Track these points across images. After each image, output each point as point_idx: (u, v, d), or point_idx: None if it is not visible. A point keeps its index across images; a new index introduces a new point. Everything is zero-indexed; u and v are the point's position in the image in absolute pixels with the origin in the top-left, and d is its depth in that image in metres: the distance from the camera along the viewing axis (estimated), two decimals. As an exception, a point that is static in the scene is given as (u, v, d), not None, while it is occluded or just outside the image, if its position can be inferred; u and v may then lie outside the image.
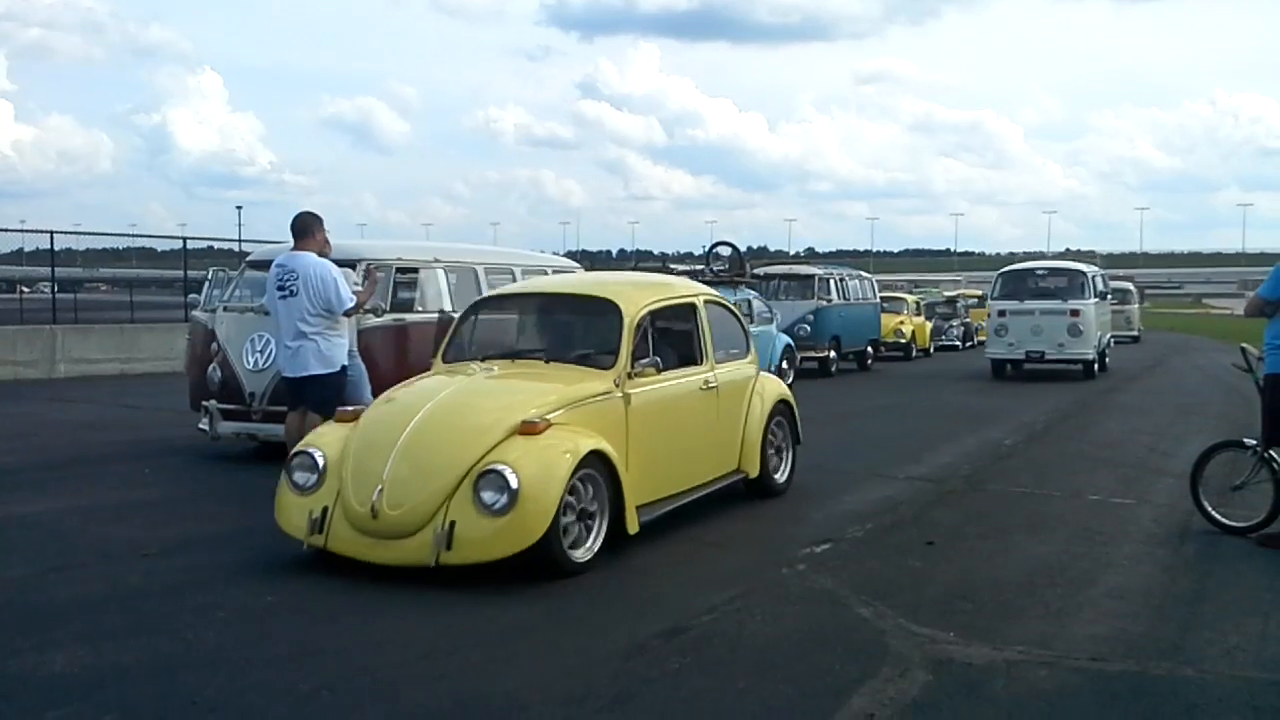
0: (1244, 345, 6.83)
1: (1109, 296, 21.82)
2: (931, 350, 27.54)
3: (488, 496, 5.47)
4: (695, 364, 7.23)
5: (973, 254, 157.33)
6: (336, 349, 7.90)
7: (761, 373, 8.20)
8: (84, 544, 6.45)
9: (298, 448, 6.18)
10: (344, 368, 7.98)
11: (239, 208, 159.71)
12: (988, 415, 13.44)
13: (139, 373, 18.87)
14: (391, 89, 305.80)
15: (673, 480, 6.81)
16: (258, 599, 5.25)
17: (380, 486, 5.60)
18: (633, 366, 6.45)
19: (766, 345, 15.46)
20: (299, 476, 5.96)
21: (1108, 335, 20.62)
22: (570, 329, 7.38)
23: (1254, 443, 6.65)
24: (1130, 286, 32.95)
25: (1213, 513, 6.78)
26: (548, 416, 5.86)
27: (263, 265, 10.09)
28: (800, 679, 4.21)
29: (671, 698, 4.01)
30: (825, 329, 19.46)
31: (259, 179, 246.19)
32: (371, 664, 4.33)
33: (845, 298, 20.95)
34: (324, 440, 6.10)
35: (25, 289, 43.10)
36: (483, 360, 6.80)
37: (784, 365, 16.70)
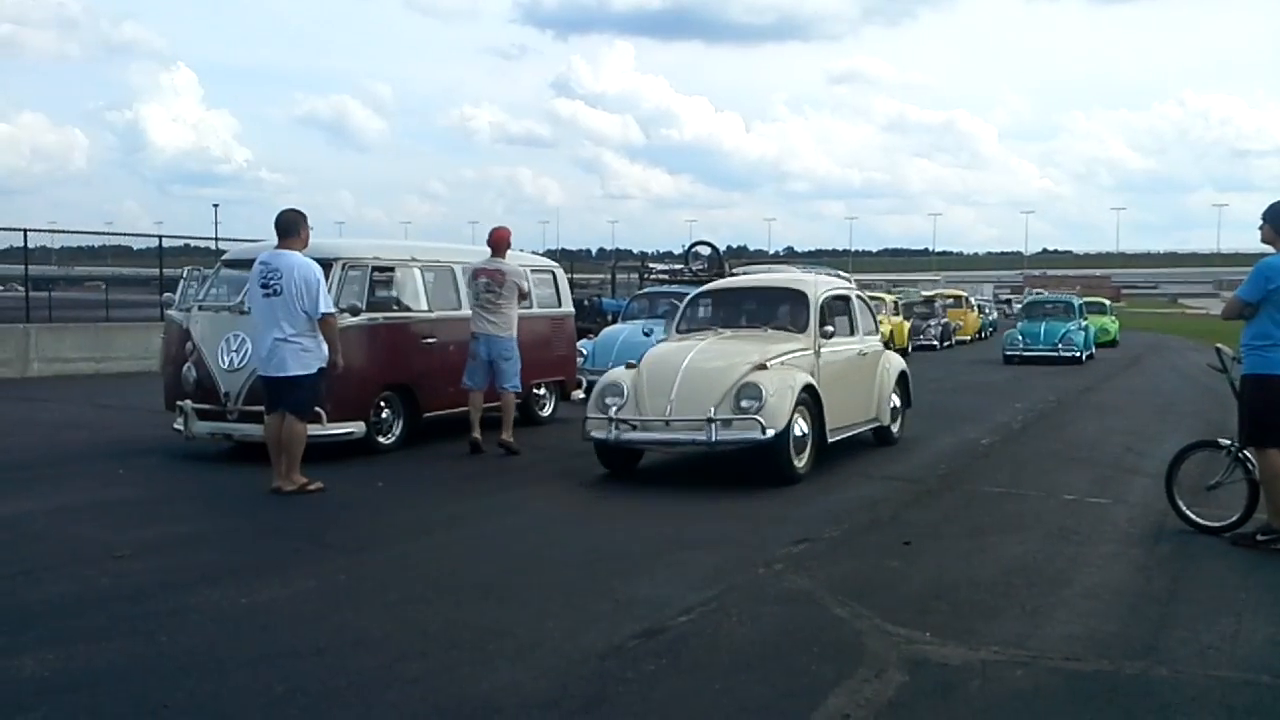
0: (1219, 346, 6.87)
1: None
2: (909, 350, 27.61)
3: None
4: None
5: (950, 254, 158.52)
6: (314, 351, 7.83)
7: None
8: (55, 545, 6.39)
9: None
10: (321, 370, 7.91)
11: (215, 205, 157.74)
12: (965, 415, 13.49)
13: (114, 372, 18.75)
14: (366, 87, 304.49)
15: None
16: (232, 601, 5.20)
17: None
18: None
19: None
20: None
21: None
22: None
23: (1229, 442, 6.69)
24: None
25: (1187, 512, 6.82)
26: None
27: (238, 264, 10.04)
28: (777, 680, 4.20)
29: (647, 699, 4.00)
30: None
31: (235, 177, 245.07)
32: (346, 666, 4.30)
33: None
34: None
35: (-1, 287, 42.73)
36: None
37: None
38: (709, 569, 5.89)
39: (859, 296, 10.57)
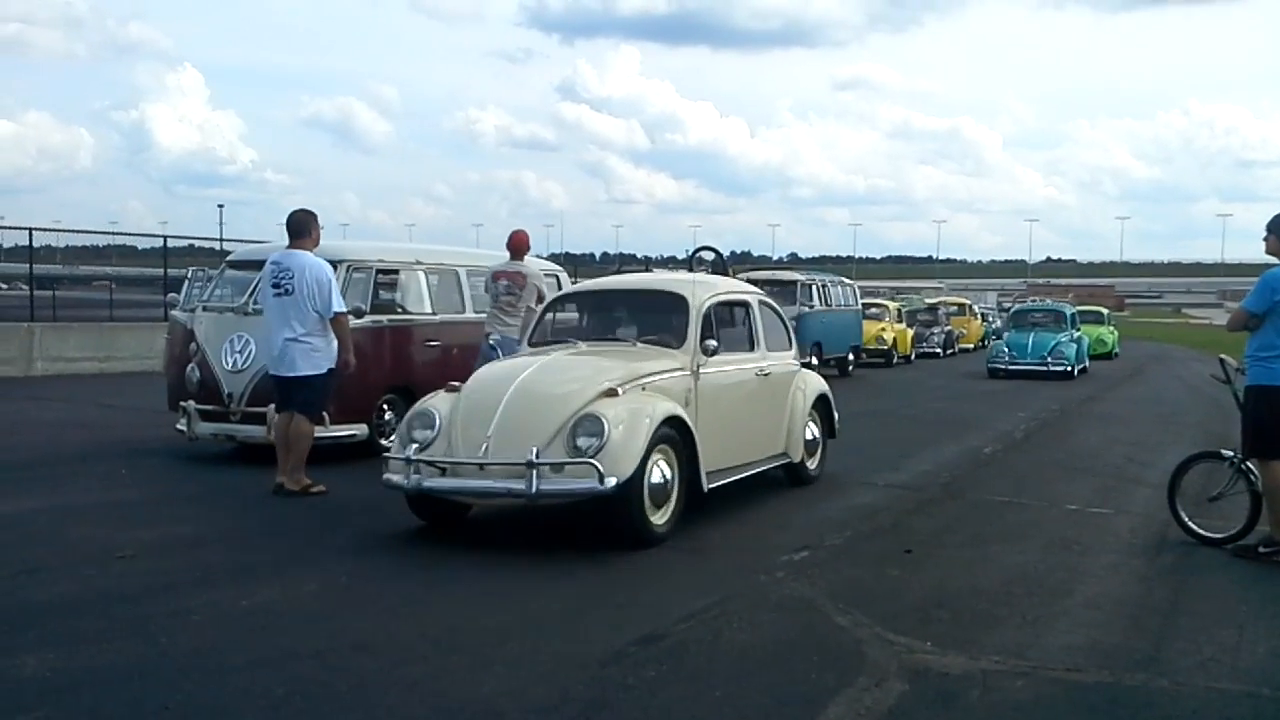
0: (1223, 356, 6.86)
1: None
2: (913, 357, 27.67)
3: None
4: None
5: (955, 261, 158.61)
6: (324, 351, 7.87)
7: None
8: (57, 545, 6.39)
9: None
10: (330, 370, 7.94)
11: (220, 206, 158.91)
12: (968, 423, 13.49)
13: (118, 372, 18.76)
14: (372, 89, 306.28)
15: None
16: (233, 603, 5.21)
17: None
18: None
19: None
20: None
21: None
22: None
23: (1231, 454, 6.68)
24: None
25: (1189, 523, 6.81)
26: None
27: (243, 265, 10.07)
28: (777, 688, 4.20)
29: (647, 705, 4.00)
30: (807, 335, 19.41)
31: (240, 177, 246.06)
32: (347, 669, 4.30)
33: (828, 304, 21.03)
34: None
35: (3, 286, 42.78)
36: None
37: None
38: (710, 575, 5.89)
39: (764, 303, 8.65)
